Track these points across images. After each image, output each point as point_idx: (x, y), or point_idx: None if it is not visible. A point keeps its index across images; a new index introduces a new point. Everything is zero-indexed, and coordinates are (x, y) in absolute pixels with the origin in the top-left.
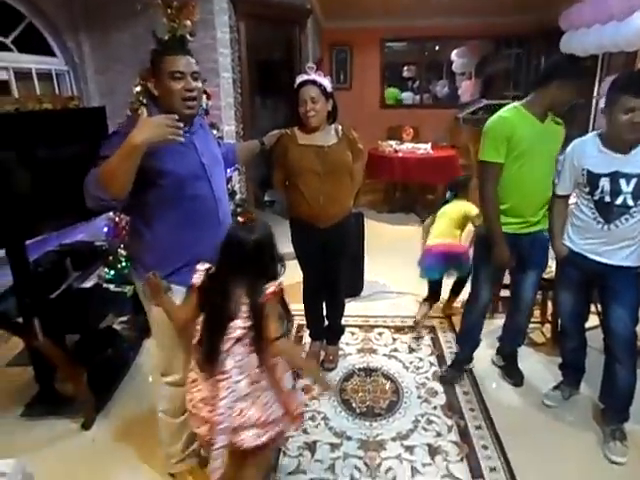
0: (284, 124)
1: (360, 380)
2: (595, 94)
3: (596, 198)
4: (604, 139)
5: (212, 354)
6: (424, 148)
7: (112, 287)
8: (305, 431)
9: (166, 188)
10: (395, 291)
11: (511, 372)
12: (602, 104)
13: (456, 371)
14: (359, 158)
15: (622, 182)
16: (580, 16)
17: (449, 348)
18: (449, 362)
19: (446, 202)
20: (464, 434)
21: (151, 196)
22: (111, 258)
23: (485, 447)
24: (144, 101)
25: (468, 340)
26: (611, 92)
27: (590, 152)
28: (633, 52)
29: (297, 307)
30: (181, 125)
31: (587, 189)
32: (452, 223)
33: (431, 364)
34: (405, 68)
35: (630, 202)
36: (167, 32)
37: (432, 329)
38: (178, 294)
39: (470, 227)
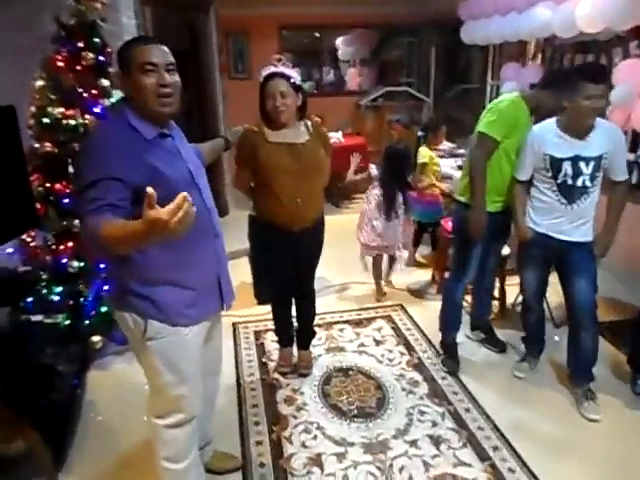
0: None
1: (340, 381)
2: (489, 80)
3: (559, 181)
4: (562, 126)
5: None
6: (336, 137)
7: (36, 318)
8: (304, 445)
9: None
10: (341, 283)
11: (494, 342)
12: (504, 89)
13: (453, 358)
14: (329, 154)
15: (582, 165)
16: (480, 7)
17: (411, 335)
18: (419, 349)
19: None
20: (458, 419)
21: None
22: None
23: (481, 428)
24: (52, 97)
25: (454, 322)
26: (572, 81)
27: (550, 138)
28: (524, 42)
29: (252, 312)
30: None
31: (550, 173)
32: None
33: (402, 354)
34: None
35: (588, 183)
36: (72, 16)
37: (389, 318)
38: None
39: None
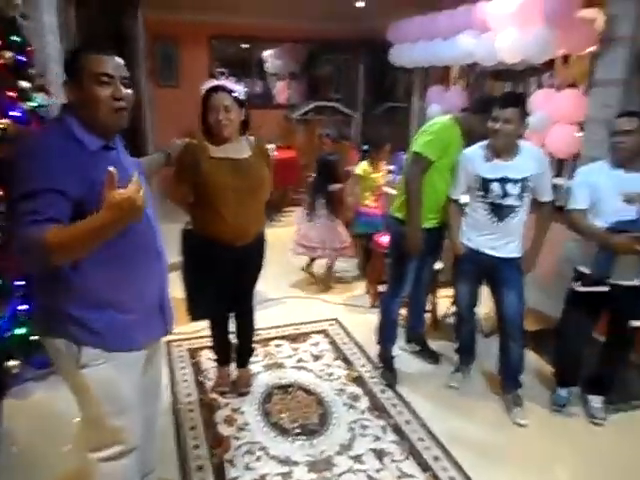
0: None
1: (280, 399)
2: (415, 100)
3: (490, 200)
4: (490, 149)
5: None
6: (271, 150)
7: None
8: (248, 467)
9: None
10: (275, 298)
11: (428, 353)
12: (430, 111)
13: (391, 371)
14: (271, 170)
15: (509, 186)
16: (408, 31)
17: (349, 349)
18: (358, 363)
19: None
20: (399, 431)
21: None
22: None
23: (421, 439)
24: None
25: (392, 335)
26: (491, 107)
27: (479, 160)
28: (448, 66)
29: (186, 329)
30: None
31: (481, 192)
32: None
33: (340, 368)
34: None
35: (515, 202)
36: None
37: (325, 332)
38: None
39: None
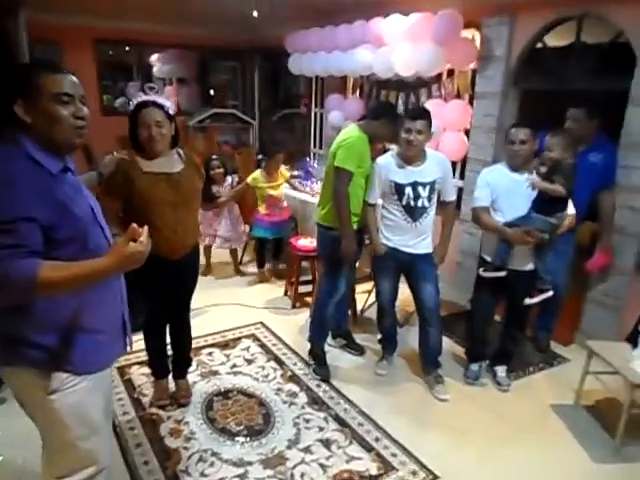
0: None
1: (222, 405)
2: (313, 107)
3: (404, 203)
4: (400, 157)
5: None
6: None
7: None
8: (203, 474)
9: (68, 244)
10: (199, 307)
11: (355, 346)
12: (331, 117)
13: (324, 366)
14: (202, 180)
15: (420, 189)
16: (307, 42)
17: (279, 350)
18: (289, 362)
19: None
20: (340, 420)
21: (49, 255)
22: None
23: (360, 424)
24: None
25: (325, 333)
26: (397, 116)
27: (392, 168)
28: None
29: None
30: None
31: (395, 197)
32: None
33: (274, 369)
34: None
35: (426, 203)
36: None
37: (254, 336)
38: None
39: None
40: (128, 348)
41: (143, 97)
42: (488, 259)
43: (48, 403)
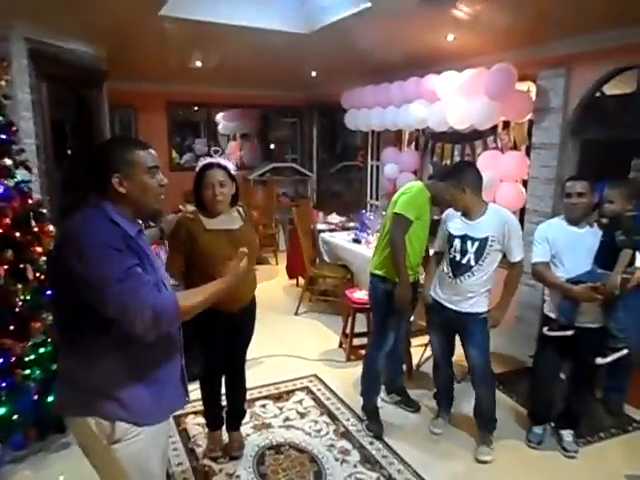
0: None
1: (274, 459)
2: (369, 160)
3: (451, 256)
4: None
5: None
6: None
7: None
8: None
9: None
10: (252, 358)
11: (409, 402)
12: (387, 170)
13: (377, 422)
14: (259, 236)
15: (469, 243)
16: (362, 98)
17: (332, 404)
18: (342, 417)
19: None
20: None
21: None
22: None
23: None
24: None
25: (376, 388)
26: (451, 176)
27: (453, 218)
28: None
29: None
30: None
31: (447, 247)
32: None
33: (327, 424)
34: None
35: (472, 262)
36: None
37: (307, 389)
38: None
39: None
40: (187, 399)
41: (208, 159)
42: (553, 316)
43: (110, 452)
